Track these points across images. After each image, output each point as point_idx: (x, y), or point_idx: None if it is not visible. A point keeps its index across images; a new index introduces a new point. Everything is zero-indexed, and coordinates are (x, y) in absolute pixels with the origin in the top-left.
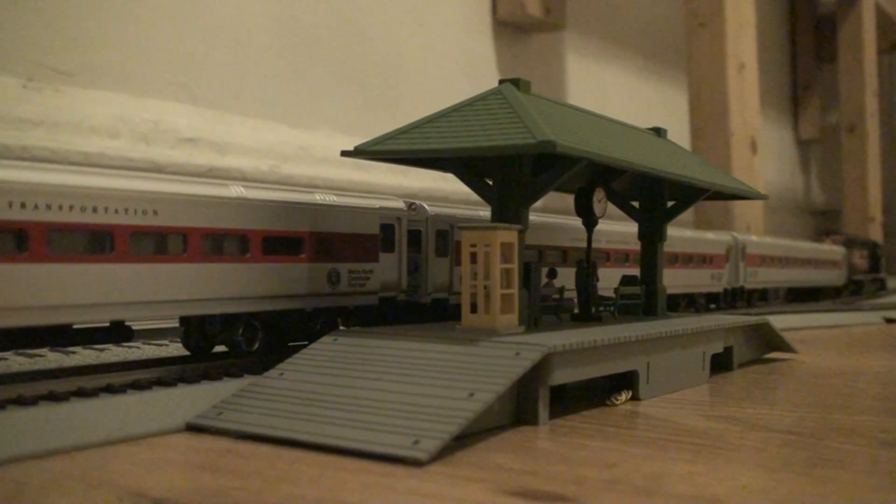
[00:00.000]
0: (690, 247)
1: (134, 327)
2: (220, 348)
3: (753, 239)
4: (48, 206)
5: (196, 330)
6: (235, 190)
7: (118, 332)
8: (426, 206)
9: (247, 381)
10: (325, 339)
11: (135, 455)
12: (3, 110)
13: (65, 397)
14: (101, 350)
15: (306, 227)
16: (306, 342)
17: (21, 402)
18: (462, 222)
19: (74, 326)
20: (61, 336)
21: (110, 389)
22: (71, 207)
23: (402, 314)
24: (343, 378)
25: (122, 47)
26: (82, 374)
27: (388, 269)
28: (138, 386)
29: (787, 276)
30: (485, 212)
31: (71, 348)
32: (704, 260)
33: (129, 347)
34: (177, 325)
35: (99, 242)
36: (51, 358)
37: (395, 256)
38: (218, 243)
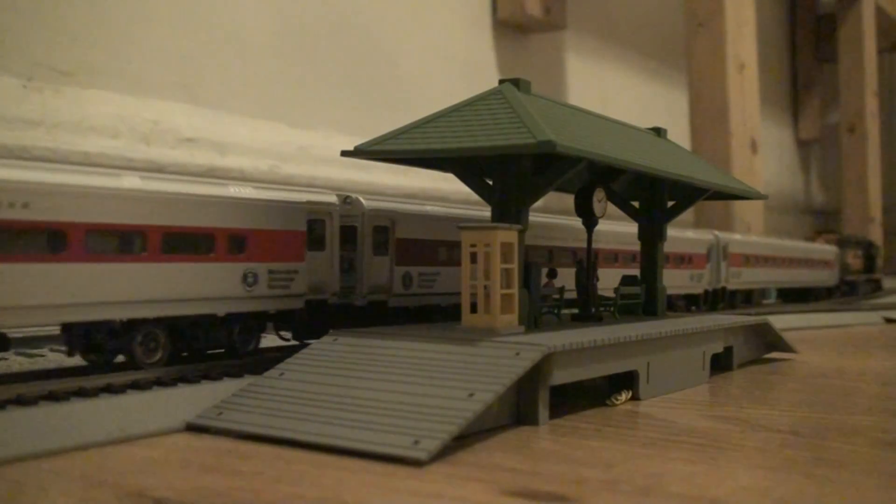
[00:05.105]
0: (668, 245)
1: (12, 335)
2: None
3: (736, 237)
4: None
5: (80, 338)
6: (130, 181)
7: None
8: (362, 200)
9: (247, 381)
10: (325, 339)
11: (135, 455)
12: (3, 110)
13: (65, 397)
14: None
15: (216, 223)
16: (222, 349)
17: (21, 402)
18: (404, 217)
19: None
20: None
21: (110, 389)
22: None
23: (333, 318)
24: (343, 378)
25: (122, 47)
26: (82, 374)
27: (316, 269)
28: (138, 386)
29: (774, 277)
30: (431, 206)
31: None
32: (683, 259)
33: None
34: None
35: None
36: (51, 358)
37: (326, 255)
38: (107, 240)
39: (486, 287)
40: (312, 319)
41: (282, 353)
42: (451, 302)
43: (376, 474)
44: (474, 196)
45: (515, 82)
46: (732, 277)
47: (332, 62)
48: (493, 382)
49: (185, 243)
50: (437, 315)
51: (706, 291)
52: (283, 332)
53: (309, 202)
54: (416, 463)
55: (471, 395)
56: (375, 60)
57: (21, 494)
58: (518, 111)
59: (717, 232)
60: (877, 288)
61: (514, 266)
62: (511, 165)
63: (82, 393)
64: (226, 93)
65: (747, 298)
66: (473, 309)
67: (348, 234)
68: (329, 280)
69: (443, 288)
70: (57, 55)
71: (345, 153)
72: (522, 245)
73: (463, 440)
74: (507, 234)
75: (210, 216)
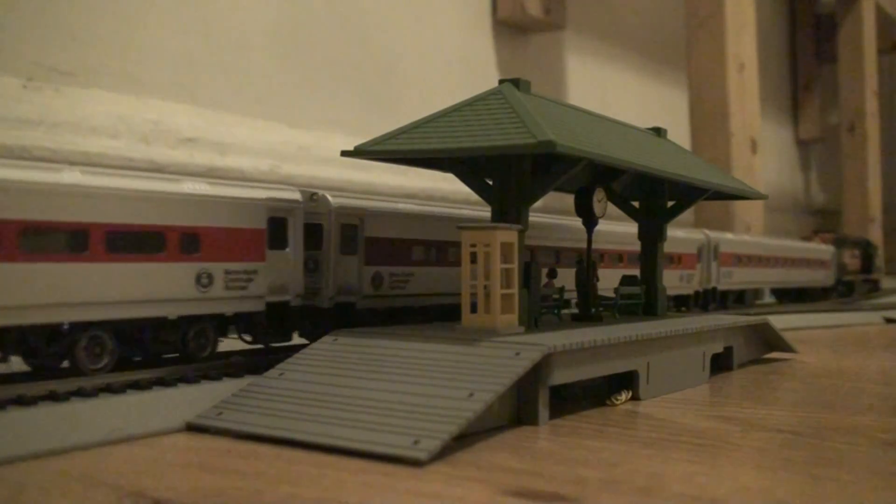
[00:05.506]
0: None
1: None
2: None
3: (728, 237)
4: None
5: (14, 344)
6: (69, 175)
7: None
8: (329, 197)
9: (247, 381)
10: (326, 339)
11: (135, 455)
12: (3, 110)
13: (65, 397)
14: None
15: (167, 221)
16: (175, 354)
17: (21, 402)
18: (374, 215)
19: None
20: None
21: (110, 389)
22: None
23: (296, 321)
24: (343, 378)
25: (122, 47)
26: (82, 375)
27: (278, 270)
28: (138, 386)
29: (767, 277)
30: (404, 203)
31: None
32: (672, 260)
33: None
34: None
35: None
36: None
37: (289, 254)
38: (44, 239)
39: (486, 287)
40: (274, 322)
41: (245, 358)
42: (425, 304)
43: (376, 474)
44: (474, 196)
45: (515, 82)
46: (724, 278)
47: (332, 62)
48: (493, 382)
49: (131, 242)
50: (409, 318)
51: (697, 292)
52: (245, 336)
53: (270, 199)
54: (415, 463)
55: (471, 395)
56: (375, 60)
57: (21, 495)
58: (518, 111)
59: (707, 231)
60: (874, 288)
61: (514, 266)
62: (511, 165)
63: (82, 393)
64: (226, 93)
65: (739, 299)
66: (473, 309)
67: (314, 233)
68: (292, 281)
69: (416, 289)
70: (57, 55)
71: (345, 153)
72: (522, 245)
73: (463, 440)
74: (507, 234)
75: (159, 213)
